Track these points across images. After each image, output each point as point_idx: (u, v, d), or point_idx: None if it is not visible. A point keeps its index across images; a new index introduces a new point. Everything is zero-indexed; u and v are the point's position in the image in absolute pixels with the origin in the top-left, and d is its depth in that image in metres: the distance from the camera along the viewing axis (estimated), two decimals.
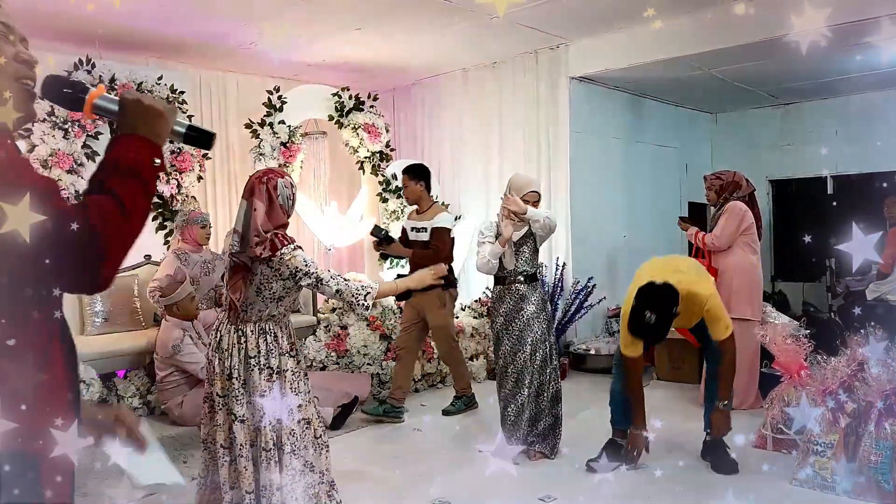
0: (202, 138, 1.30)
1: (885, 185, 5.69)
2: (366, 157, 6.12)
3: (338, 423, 4.29)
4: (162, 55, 5.42)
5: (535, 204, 3.72)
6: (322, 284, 2.55)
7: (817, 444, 3.20)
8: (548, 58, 5.85)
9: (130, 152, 1.13)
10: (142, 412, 4.50)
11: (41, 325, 1.03)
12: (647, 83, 6.13)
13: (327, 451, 2.68)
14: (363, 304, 2.54)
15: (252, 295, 2.57)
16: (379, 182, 6.15)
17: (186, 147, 4.96)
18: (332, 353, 5.15)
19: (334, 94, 5.95)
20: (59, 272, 1.01)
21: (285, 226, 2.64)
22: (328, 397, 4.50)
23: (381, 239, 4.52)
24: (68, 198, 4.50)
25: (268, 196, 2.57)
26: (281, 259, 2.53)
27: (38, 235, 0.93)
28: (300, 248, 2.59)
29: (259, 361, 2.57)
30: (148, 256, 5.10)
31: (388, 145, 6.25)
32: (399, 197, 6.08)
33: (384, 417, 4.43)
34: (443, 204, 5.35)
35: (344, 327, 5.27)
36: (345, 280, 2.57)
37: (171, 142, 1.24)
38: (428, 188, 4.57)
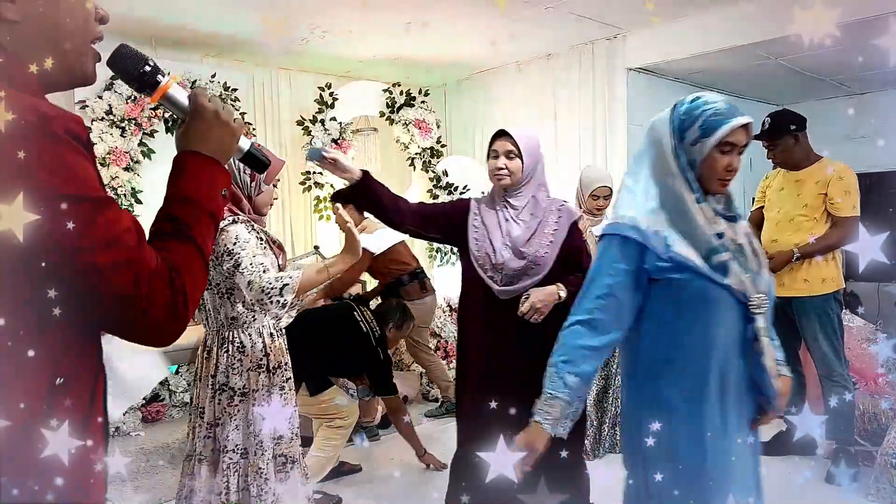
0: (258, 163, 1.21)
1: None
2: (416, 154, 6.05)
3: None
4: (215, 53, 5.47)
5: (606, 200, 3.56)
6: (238, 271, 1.92)
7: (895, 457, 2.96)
8: (604, 49, 5.66)
9: (203, 185, 0.99)
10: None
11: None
12: (708, 73, 5.87)
13: None
14: (278, 301, 1.88)
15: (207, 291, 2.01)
16: (430, 178, 6.07)
17: None
18: None
19: (385, 91, 5.91)
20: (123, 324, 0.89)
21: (237, 199, 2.09)
22: None
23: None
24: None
25: None
26: (218, 235, 1.94)
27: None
28: (240, 223, 2.01)
29: (217, 382, 2.04)
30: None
31: (438, 141, 6.17)
32: (450, 194, 5.99)
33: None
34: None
35: None
36: (265, 271, 1.92)
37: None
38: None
